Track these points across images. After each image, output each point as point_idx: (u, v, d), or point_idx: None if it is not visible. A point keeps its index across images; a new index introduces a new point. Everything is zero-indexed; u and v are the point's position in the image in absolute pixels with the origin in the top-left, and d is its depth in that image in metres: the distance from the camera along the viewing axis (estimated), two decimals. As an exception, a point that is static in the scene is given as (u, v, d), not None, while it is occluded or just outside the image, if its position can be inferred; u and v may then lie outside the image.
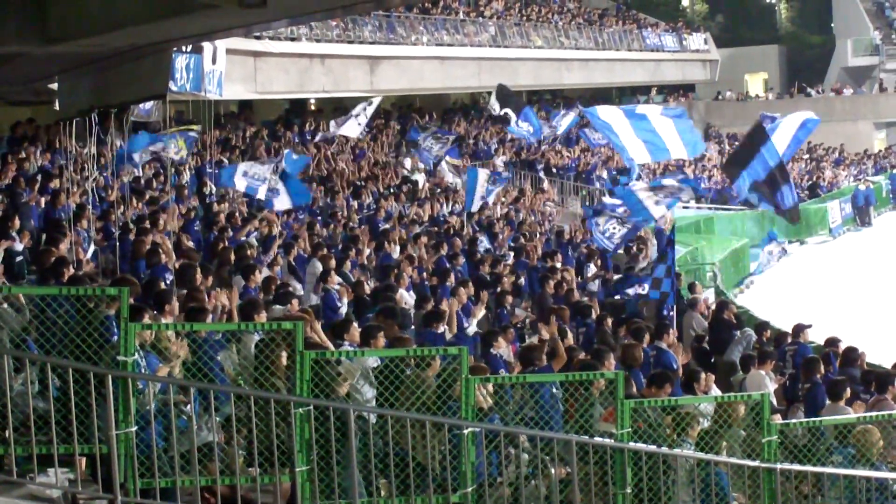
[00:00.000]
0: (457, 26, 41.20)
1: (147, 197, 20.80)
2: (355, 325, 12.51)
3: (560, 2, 54.24)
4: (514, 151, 38.60)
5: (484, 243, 23.78)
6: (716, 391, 13.68)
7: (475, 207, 25.89)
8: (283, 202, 20.33)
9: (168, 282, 14.20)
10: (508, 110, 27.86)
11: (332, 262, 17.89)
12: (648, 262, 22.15)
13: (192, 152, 21.39)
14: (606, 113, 20.40)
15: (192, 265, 14.82)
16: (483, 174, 25.91)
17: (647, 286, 18.61)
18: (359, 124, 28.18)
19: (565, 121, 33.81)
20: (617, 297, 19.91)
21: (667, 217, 23.31)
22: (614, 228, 21.24)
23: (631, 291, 19.54)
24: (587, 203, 35.59)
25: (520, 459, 9.50)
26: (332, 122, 29.18)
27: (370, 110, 28.23)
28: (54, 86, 20.75)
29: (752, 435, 10.04)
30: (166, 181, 21.89)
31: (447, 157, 29.27)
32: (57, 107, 20.96)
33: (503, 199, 30.47)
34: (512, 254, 23.38)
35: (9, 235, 15.51)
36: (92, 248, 17.14)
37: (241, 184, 20.16)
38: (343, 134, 28.94)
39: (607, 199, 23.83)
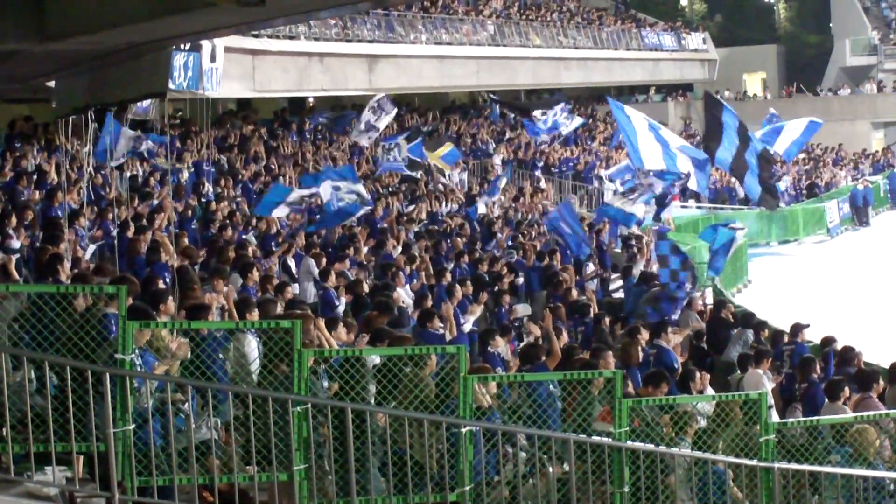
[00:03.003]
0: (456, 25, 41.18)
1: (142, 192, 20.77)
2: (342, 323, 12.52)
3: (559, 1, 54.25)
4: (512, 150, 38.56)
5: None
6: (709, 390, 13.67)
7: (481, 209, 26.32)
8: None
9: (167, 280, 14.17)
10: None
11: (324, 261, 17.88)
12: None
13: (174, 147, 20.81)
14: (633, 114, 20.40)
15: (190, 265, 14.79)
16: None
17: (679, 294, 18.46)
18: (371, 126, 27.74)
19: (573, 123, 33.67)
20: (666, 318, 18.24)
21: (668, 218, 23.20)
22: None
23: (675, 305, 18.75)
24: (585, 203, 35.63)
25: (518, 458, 9.50)
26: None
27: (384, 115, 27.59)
28: (52, 83, 20.69)
29: (749, 434, 10.04)
30: (164, 179, 21.83)
31: (436, 163, 28.68)
32: (54, 104, 20.89)
33: (501, 198, 30.43)
34: (514, 252, 23.36)
35: (6, 233, 15.50)
36: (91, 247, 17.11)
37: (283, 212, 20.13)
38: (357, 141, 28.79)
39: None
